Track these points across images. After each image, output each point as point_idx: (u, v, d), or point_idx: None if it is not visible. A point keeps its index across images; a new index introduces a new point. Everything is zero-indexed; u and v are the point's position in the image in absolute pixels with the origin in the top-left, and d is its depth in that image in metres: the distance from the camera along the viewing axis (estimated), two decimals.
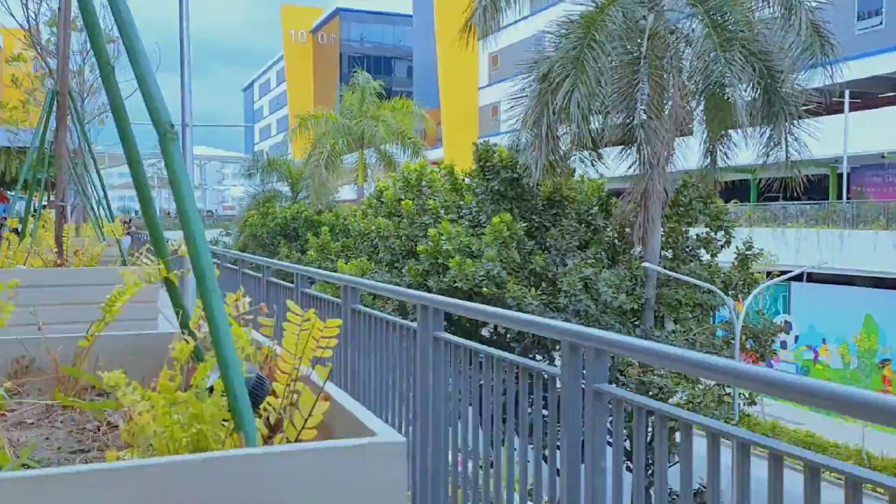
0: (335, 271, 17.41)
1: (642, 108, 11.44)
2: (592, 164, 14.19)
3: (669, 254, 14.02)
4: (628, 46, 11.91)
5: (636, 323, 12.84)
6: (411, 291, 3.99)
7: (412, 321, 3.69)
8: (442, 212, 14.00)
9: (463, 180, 15.56)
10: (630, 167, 12.98)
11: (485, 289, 12.23)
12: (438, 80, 59.36)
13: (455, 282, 12.41)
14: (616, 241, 14.41)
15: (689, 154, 13.35)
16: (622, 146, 13.45)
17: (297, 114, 28.78)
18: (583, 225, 13.84)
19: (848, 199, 26.54)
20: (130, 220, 28.91)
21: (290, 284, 5.53)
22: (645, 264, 12.32)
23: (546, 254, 13.25)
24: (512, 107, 14.23)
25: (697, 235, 13.91)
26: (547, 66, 12.27)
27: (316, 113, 27.55)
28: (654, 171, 12.01)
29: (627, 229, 14.03)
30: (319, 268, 17.75)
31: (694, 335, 12.20)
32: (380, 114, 25.75)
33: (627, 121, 11.79)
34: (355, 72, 28.87)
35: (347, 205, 38.40)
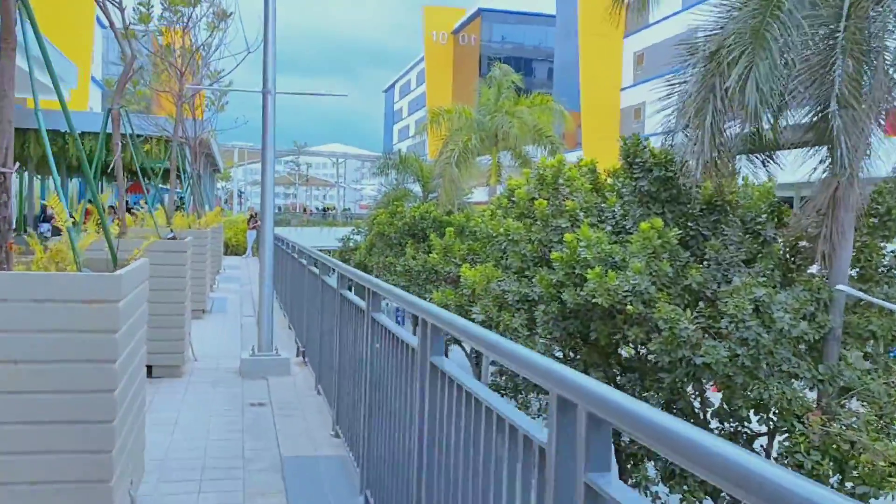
0: (458, 277, 15.89)
1: (838, 92, 9.15)
2: (764, 165, 11.92)
3: (854, 273, 11.53)
4: (823, 14, 9.64)
5: (816, 357, 10.52)
6: (416, 300, 2.85)
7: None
8: (581, 214, 12.13)
9: (605, 180, 13.62)
10: (813, 170, 10.67)
11: (629, 306, 10.28)
12: (580, 81, 57.03)
13: (594, 296, 10.53)
14: (787, 255, 12.06)
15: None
16: (800, 147, 11.17)
17: (431, 108, 27.50)
18: (748, 235, 11.60)
19: None
20: (256, 214, 28.69)
21: (363, 304, 3.86)
22: (841, 287, 9.96)
23: (704, 268, 11.12)
24: (667, 95, 12.18)
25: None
26: (716, 43, 10.18)
27: (449, 108, 26.18)
28: (849, 173, 9.67)
29: (803, 243, 11.66)
30: (443, 273, 16.26)
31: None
32: (515, 109, 24.07)
33: (817, 110, 9.52)
34: (494, 67, 27.34)
35: (480, 206, 37.06)
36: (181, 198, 15.06)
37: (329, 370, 5.40)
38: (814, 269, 11.32)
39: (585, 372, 12.57)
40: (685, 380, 10.46)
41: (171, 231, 7.46)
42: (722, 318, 10.15)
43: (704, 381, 10.34)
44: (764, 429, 10.81)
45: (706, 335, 9.81)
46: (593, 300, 10.53)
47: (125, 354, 2.61)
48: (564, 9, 62.44)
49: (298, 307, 8.44)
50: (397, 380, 3.07)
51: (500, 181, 26.40)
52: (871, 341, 10.86)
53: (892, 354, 11.09)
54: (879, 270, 11.31)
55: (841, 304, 10.75)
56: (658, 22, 50.12)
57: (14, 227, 2.90)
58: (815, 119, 9.72)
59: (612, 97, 55.11)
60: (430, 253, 26.98)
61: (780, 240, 11.92)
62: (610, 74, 55.07)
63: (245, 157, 49.92)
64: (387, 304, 4.03)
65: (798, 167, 11.48)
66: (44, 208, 24.24)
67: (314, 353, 6.55)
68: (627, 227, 11.89)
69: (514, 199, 14.91)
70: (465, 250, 15.61)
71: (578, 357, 12.20)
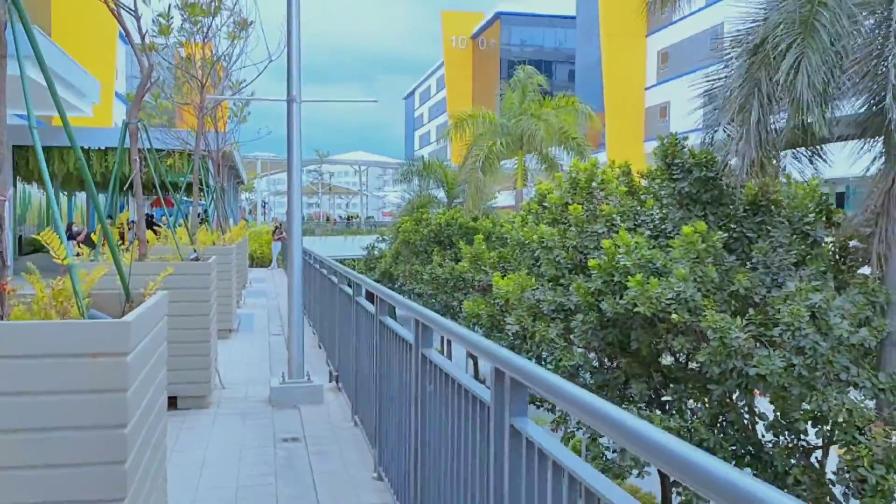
0: (489, 285, 15.42)
1: (894, 82, 8.58)
2: (811, 161, 11.36)
3: None
4: (873, 1, 9.09)
5: (872, 364, 9.94)
6: (489, 345, 2.59)
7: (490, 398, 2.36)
8: (618, 219, 11.62)
9: (640, 182, 13.10)
10: (867, 168, 10.12)
11: (674, 315, 9.76)
12: (602, 81, 56.39)
13: (635, 304, 10.03)
14: (838, 256, 11.49)
15: None
16: (850, 139, 10.61)
17: (453, 113, 27.11)
18: (796, 236, 11.04)
19: None
20: (281, 225, 28.39)
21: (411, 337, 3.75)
22: None
23: (751, 272, 10.58)
24: (706, 91, 11.67)
25: None
26: (760, 35, 9.64)
27: (473, 112, 25.77)
28: None
29: (853, 242, 11.08)
30: (472, 281, 15.82)
31: None
32: (541, 112, 23.57)
33: (872, 102, 8.95)
34: (516, 70, 26.87)
35: (505, 211, 36.55)
36: (205, 211, 14.75)
37: (367, 401, 5.08)
38: (864, 269, 10.75)
39: (626, 383, 12.07)
40: (735, 390, 9.92)
41: (195, 251, 7.07)
42: (774, 325, 9.60)
43: (758, 391, 9.78)
44: (820, 441, 10.24)
45: (758, 344, 9.26)
46: (634, 309, 10.02)
47: (137, 417, 2.20)
48: (585, 9, 61.85)
49: (330, 327, 7.99)
50: (460, 431, 2.75)
51: (526, 185, 25.92)
52: None
53: None
54: None
55: None
56: (682, 19, 49.38)
57: (10, 261, 2.49)
58: (871, 110, 9.15)
59: (637, 97, 54.39)
60: (458, 260, 26.56)
61: (829, 240, 11.37)
62: (634, 74, 54.36)
63: (268, 168, 49.86)
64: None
65: (849, 162, 10.92)
66: (69, 226, 24.15)
67: (349, 378, 6.12)
68: (667, 231, 11.37)
69: (545, 203, 14.43)
70: (496, 258, 15.15)
71: (619, 367, 11.69)
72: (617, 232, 11.49)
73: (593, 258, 11.31)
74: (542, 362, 12.13)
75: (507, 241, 15.29)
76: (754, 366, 9.12)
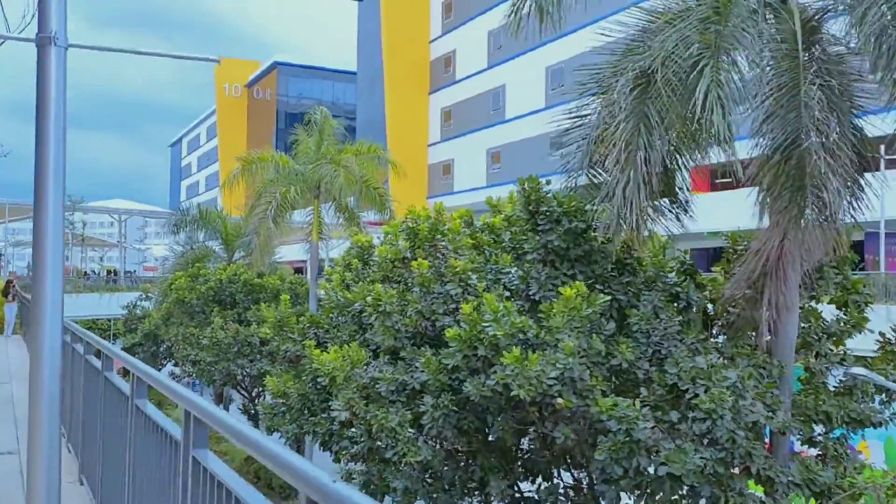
0: (298, 357, 12.71)
1: (812, 119, 7.36)
2: (677, 215, 10.09)
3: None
4: (777, 28, 7.93)
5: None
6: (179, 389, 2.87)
7: None
8: (473, 277, 9.55)
9: (482, 235, 11.21)
10: (757, 216, 8.91)
11: (560, 398, 7.79)
12: (386, 137, 55.54)
13: (507, 386, 7.94)
14: (708, 322, 10.26)
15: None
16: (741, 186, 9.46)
17: (239, 156, 24.12)
18: (667, 300, 9.64)
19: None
20: (14, 281, 23.40)
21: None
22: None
23: (632, 342, 8.92)
24: (567, 130, 10.08)
25: (838, 317, 9.84)
26: (649, 60, 8.13)
27: (262, 155, 22.99)
28: (817, 218, 7.92)
29: (732, 307, 9.86)
30: (278, 351, 13.05)
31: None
32: (341, 158, 21.35)
33: (784, 142, 7.68)
34: (301, 123, 24.53)
35: (289, 266, 33.59)
36: None
37: None
38: (763, 336, 9.51)
39: (483, 481, 9.88)
40: (630, 491, 8.06)
41: None
42: (672, 408, 7.93)
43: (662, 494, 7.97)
44: None
45: (674, 432, 7.51)
46: (511, 393, 7.92)
47: None
48: (367, 64, 61.07)
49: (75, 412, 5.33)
50: None
51: (321, 238, 23.42)
52: (821, 425, 9.14)
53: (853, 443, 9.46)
54: (817, 338, 9.72)
55: (790, 384, 8.99)
56: (465, 78, 49.89)
57: None
58: (774, 152, 7.88)
59: (420, 153, 53.97)
60: (241, 322, 23.31)
61: (699, 304, 10.10)
62: (417, 130, 54.01)
63: (5, 215, 42.85)
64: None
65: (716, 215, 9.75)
66: None
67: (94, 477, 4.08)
68: (531, 293, 9.48)
69: (372, 259, 12.14)
70: (307, 323, 12.49)
71: (474, 463, 9.50)
72: (471, 294, 9.42)
73: (448, 326, 9.14)
74: (378, 457, 9.64)
75: (323, 303, 12.75)
76: (663, 463, 7.33)
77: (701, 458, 7.18)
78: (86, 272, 55.73)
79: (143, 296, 33.12)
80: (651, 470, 7.59)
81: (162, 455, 3.28)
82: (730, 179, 9.24)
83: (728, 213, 10.75)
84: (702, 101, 7.04)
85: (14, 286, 22.36)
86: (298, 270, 37.31)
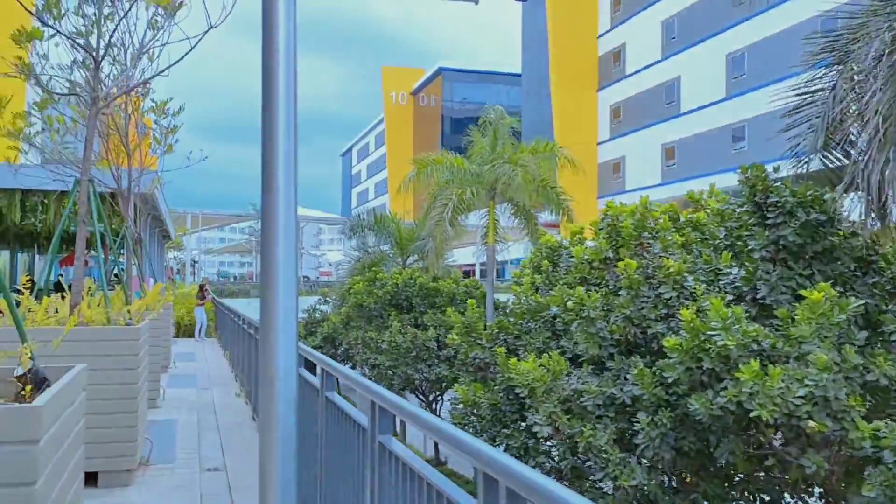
0: (486, 363, 12.11)
1: None
2: None
3: None
4: None
5: None
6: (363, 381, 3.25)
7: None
8: (689, 279, 8.47)
9: (689, 231, 10.07)
10: None
11: (812, 420, 6.60)
12: (553, 138, 54.60)
13: (744, 405, 6.84)
14: None
15: None
16: None
17: (415, 157, 24.02)
18: None
19: None
20: (205, 285, 24.45)
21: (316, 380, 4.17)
22: None
23: (885, 352, 7.53)
24: (797, 108, 8.79)
25: None
26: None
27: (438, 157, 22.74)
28: None
29: None
30: (466, 357, 12.47)
31: None
32: (517, 157, 20.66)
33: None
34: (466, 128, 24.07)
35: (458, 270, 33.35)
36: (119, 270, 11.06)
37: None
38: None
39: None
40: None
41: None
42: None
43: None
44: None
45: None
46: (748, 411, 6.82)
47: None
48: (532, 66, 60.38)
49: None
50: None
51: (497, 240, 22.85)
52: None
53: None
54: None
55: None
56: (636, 73, 48.01)
57: None
58: None
59: (589, 152, 52.55)
60: (418, 326, 23.15)
61: None
62: (585, 129, 52.62)
63: (199, 223, 45.73)
64: None
65: None
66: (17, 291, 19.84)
67: None
68: (758, 297, 8.29)
69: (563, 261, 11.31)
70: (494, 328, 11.83)
71: (695, 490, 8.41)
72: (689, 298, 8.36)
73: (661, 334, 8.14)
74: (585, 479, 8.78)
75: (512, 308, 12.05)
76: None
77: None
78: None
79: (322, 300, 34.00)
80: None
81: (350, 441, 3.61)
82: None
83: None
84: None
85: (207, 290, 23.40)
86: (466, 274, 37.12)
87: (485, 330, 12.14)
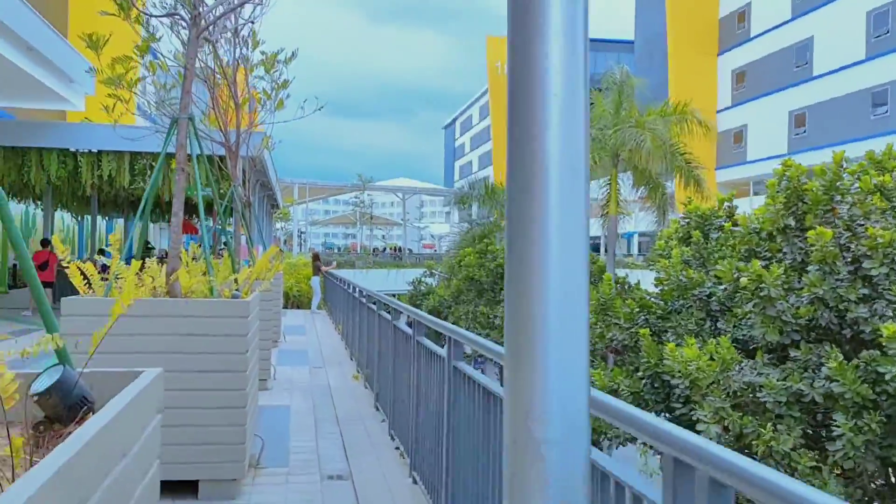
0: (625, 346, 10.83)
1: None
2: None
3: None
4: None
5: None
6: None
7: None
8: None
9: (892, 193, 8.36)
10: None
11: None
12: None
13: None
14: None
15: None
16: None
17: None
18: None
19: None
20: (318, 256, 23.87)
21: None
22: None
23: None
24: None
25: None
26: None
27: None
28: None
29: None
30: (601, 339, 11.15)
31: None
32: (645, 119, 18.98)
33: None
34: (613, 68, 22.36)
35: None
36: (224, 238, 10.26)
37: (403, 415, 5.66)
38: None
39: None
40: None
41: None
42: None
43: None
44: None
45: None
46: None
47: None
48: (645, 31, 57.51)
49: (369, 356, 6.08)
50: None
51: (620, 211, 21.26)
52: None
53: None
54: None
55: None
56: (762, 34, 44.67)
57: None
58: None
59: (708, 121, 49.56)
60: None
61: None
62: (704, 96, 49.56)
63: (306, 194, 45.69)
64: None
65: None
66: (101, 252, 19.86)
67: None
68: None
69: (717, 227, 9.84)
70: (635, 307, 10.46)
71: None
72: None
73: (863, 318, 6.63)
74: None
75: (592, 281, 10.69)
76: None
77: None
78: (374, 249, 58.45)
79: (427, 272, 33.19)
80: None
81: (433, 368, 4.59)
82: None
83: None
84: None
85: (319, 260, 22.84)
86: None
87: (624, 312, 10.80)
